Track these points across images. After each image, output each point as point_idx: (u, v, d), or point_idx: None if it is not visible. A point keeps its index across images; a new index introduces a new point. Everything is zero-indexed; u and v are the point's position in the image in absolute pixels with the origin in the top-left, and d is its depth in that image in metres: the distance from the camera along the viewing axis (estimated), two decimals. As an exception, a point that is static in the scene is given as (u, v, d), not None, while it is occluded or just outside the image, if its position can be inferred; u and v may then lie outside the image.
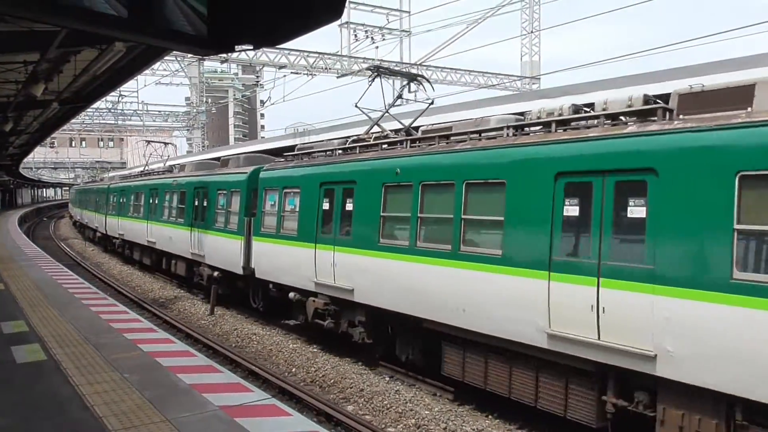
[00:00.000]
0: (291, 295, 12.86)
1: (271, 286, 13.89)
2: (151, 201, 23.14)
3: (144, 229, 23.49)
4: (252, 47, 2.18)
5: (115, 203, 28.85)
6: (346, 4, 2.16)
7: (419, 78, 13.84)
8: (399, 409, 9.16)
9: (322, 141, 15.30)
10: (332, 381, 10.62)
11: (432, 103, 13.19)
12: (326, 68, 27.88)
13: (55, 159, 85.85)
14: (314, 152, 13.70)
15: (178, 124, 53.92)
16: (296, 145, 18.27)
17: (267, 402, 6.96)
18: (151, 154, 31.32)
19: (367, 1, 29.22)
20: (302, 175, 13.15)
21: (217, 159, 22.72)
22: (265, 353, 12.68)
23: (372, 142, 12.18)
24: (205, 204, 17.81)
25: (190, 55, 30.62)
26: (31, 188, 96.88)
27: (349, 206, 11.36)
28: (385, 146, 11.43)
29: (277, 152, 22.14)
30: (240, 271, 15.18)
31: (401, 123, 13.33)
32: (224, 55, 25.83)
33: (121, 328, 10.52)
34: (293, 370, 11.50)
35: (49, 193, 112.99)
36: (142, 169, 32.03)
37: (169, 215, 20.90)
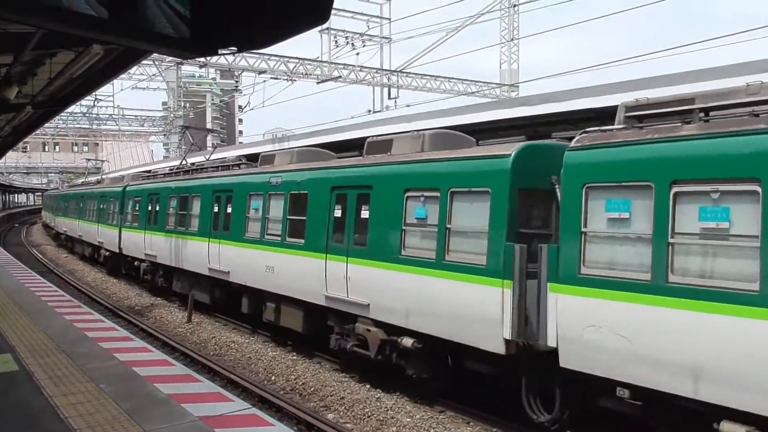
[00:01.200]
0: None
1: (623, 393, 6.72)
2: (216, 209, 15.55)
3: (203, 251, 15.76)
4: (236, 50, 2.13)
5: (139, 212, 21.06)
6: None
7: None
8: (380, 416, 9.11)
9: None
10: (312, 389, 10.53)
11: None
12: (306, 74, 27.82)
13: (28, 164, 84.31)
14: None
15: (155, 129, 53.29)
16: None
17: (248, 412, 6.87)
18: (192, 143, 24.81)
19: (348, 8, 29.28)
20: None
21: (322, 146, 16.08)
22: (244, 361, 12.52)
23: None
24: (365, 215, 10.43)
25: (167, 60, 30.33)
26: (2, 194, 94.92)
27: None
28: None
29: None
30: (499, 348, 7.93)
31: None
32: (203, 59, 25.62)
33: (97, 337, 10.32)
34: (273, 378, 11.37)
35: (21, 198, 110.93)
36: (174, 165, 23.96)
37: (265, 232, 13.35)
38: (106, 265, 25.97)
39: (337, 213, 11.02)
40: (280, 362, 12.15)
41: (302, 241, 11.85)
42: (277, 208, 12.95)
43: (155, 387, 7.50)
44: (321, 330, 11.61)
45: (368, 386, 10.63)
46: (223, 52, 2.22)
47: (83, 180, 45.26)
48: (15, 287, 16.01)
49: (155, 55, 23.02)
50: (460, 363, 9.20)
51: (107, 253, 24.97)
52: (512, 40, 33.04)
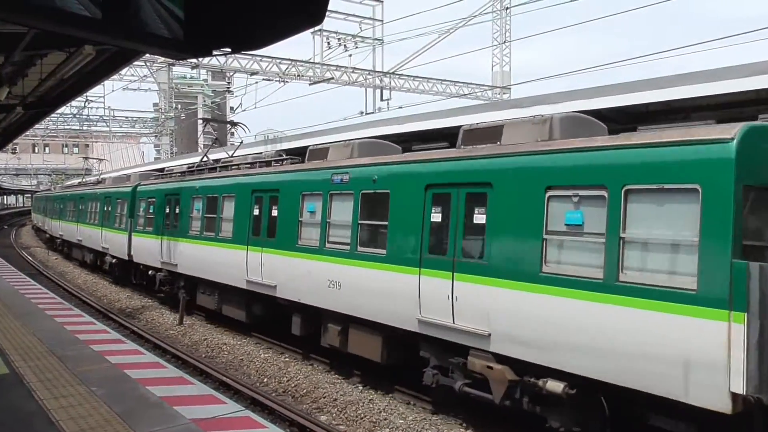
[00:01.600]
0: None
1: None
2: (257, 212, 13.16)
3: (239, 261, 13.33)
4: (230, 51, 2.13)
5: (154, 214, 18.68)
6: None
7: None
8: (373, 418, 9.10)
9: None
10: (305, 391, 10.50)
11: None
12: (298, 75, 27.78)
13: (17, 165, 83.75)
14: None
15: (146, 131, 53.05)
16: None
17: (241, 414, 6.85)
18: (215, 138, 22.78)
19: (340, 9, 29.26)
20: None
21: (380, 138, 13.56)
22: (236, 363, 12.48)
23: None
24: (479, 220, 8.40)
25: (159, 61, 30.19)
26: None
27: None
28: None
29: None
30: (723, 405, 5.87)
31: None
32: (195, 60, 25.53)
33: (88, 340, 10.26)
34: (265, 380, 11.33)
35: (10, 200, 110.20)
36: (193, 162, 21.47)
37: (326, 240, 11.04)
38: (111, 274, 23.36)
39: (435, 217, 8.89)
40: (273, 364, 12.12)
41: (382, 251, 9.69)
42: (343, 210, 10.64)
43: (147, 389, 7.46)
44: (407, 361, 9.67)
45: (361, 388, 10.62)
46: (217, 53, 2.21)
47: (80, 180, 41.81)
48: (4, 290, 15.88)
49: (147, 56, 22.90)
50: (633, 414, 6.93)
51: (114, 261, 22.43)
52: (504, 42, 33.16)
